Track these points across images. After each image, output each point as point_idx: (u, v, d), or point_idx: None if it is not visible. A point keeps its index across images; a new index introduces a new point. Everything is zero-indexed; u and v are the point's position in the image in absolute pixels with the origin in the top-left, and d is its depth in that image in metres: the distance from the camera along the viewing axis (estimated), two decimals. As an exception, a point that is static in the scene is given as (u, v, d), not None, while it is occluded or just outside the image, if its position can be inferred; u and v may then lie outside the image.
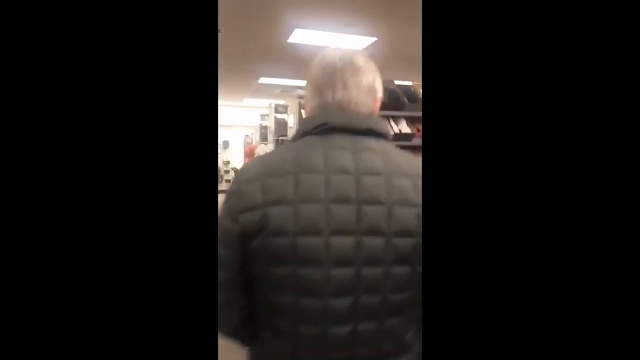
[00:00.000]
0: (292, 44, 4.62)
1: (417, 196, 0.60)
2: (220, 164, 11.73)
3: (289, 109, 6.17)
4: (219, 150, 11.69)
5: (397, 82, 2.82)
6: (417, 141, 2.80)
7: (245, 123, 11.40)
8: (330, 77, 0.65)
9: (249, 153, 7.66)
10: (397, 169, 0.61)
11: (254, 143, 8.36)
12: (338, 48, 0.68)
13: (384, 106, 2.47)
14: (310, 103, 0.67)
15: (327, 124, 0.62)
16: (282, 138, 5.63)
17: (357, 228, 0.57)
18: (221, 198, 0.68)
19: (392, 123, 2.78)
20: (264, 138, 7.10)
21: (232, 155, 11.82)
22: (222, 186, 11.74)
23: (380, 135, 0.65)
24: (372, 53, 4.77)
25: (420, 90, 2.94)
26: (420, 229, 0.59)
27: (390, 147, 0.65)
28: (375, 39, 4.33)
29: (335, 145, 0.61)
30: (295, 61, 5.50)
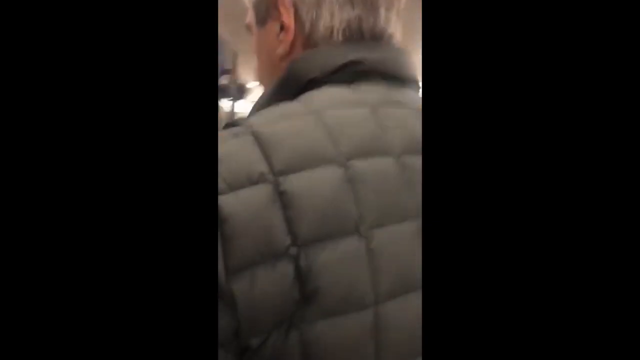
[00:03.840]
0: None
1: None
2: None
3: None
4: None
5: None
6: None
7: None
8: None
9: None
10: None
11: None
12: None
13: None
14: (301, 29, 0.43)
15: (361, 65, 0.41)
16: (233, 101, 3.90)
17: None
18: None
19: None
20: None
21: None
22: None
23: (415, 85, 0.47)
24: None
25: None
26: None
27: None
28: None
29: (389, 100, 0.41)
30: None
